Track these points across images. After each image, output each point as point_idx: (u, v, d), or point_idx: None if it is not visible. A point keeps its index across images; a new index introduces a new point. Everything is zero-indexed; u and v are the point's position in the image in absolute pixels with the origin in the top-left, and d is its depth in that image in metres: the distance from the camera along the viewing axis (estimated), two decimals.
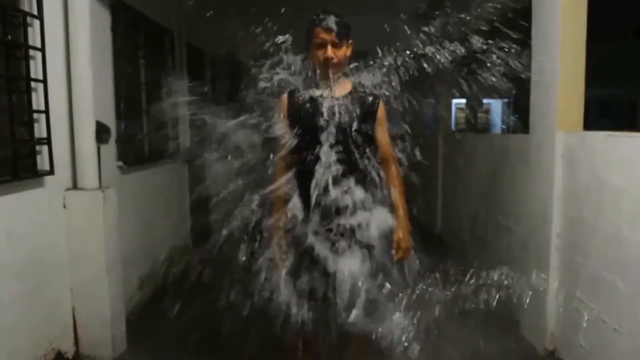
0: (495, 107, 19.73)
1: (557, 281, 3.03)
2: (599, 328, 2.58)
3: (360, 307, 2.28)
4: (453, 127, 10.77)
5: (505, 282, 3.89)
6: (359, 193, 2.23)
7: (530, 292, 3.30)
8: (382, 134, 2.31)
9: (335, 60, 2.16)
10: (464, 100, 16.56)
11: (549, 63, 3.06)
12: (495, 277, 4.13)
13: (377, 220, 2.27)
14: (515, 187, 3.74)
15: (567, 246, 2.94)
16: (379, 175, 2.29)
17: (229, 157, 2.43)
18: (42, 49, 2.74)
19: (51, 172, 2.81)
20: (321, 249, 2.21)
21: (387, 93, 2.38)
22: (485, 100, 17.94)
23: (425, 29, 2.62)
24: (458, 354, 3.20)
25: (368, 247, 2.25)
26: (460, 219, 5.30)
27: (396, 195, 2.32)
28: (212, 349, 3.27)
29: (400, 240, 2.31)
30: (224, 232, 2.48)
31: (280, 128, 2.29)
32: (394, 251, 2.31)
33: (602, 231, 2.58)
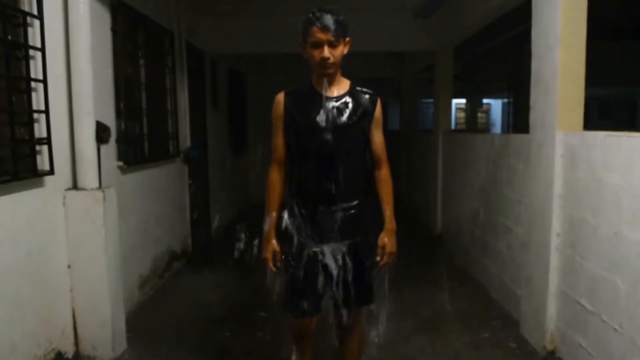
0: (495, 106, 19.78)
1: (557, 281, 3.03)
2: (599, 328, 2.58)
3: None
4: (453, 127, 10.78)
5: (505, 282, 3.89)
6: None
7: (530, 292, 3.31)
8: (376, 133, 2.28)
9: (331, 61, 2.11)
10: (463, 100, 16.62)
11: (549, 63, 3.06)
12: (495, 277, 4.14)
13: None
14: (515, 187, 3.74)
15: (567, 246, 2.94)
16: (370, 175, 2.29)
17: None
18: (42, 49, 2.74)
19: (51, 172, 2.81)
20: (314, 248, 2.20)
21: None
22: (485, 100, 17.98)
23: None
24: (459, 354, 3.20)
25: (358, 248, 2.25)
26: (460, 219, 5.30)
27: (385, 197, 2.30)
28: (212, 348, 3.28)
29: (385, 244, 2.27)
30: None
31: (277, 128, 2.27)
32: (378, 257, 2.28)
33: (602, 231, 2.58)
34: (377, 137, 2.28)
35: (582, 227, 2.77)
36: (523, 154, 3.54)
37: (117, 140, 3.67)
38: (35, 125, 2.75)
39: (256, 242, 2.44)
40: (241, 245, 3.22)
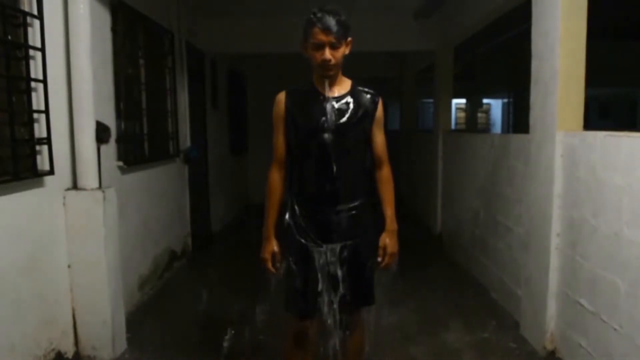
0: (495, 106, 19.80)
1: (557, 281, 3.03)
2: (599, 328, 2.58)
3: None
4: (453, 127, 10.78)
5: (505, 282, 3.89)
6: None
7: (530, 292, 3.30)
8: (378, 133, 2.27)
9: (333, 62, 2.09)
10: (463, 100, 16.64)
11: (549, 63, 3.06)
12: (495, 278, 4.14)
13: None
14: (515, 187, 3.74)
15: (567, 246, 2.94)
16: (371, 176, 2.28)
17: None
18: (42, 49, 2.74)
19: (51, 172, 2.81)
20: (314, 249, 2.20)
21: None
22: (485, 100, 18.00)
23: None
24: (459, 354, 3.20)
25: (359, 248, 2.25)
26: (460, 219, 5.30)
27: (386, 198, 2.29)
28: (212, 348, 3.27)
29: (386, 245, 2.25)
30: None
31: (278, 128, 2.27)
32: (379, 258, 2.26)
33: (602, 231, 2.58)
34: (379, 137, 2.27)
35: (582, 227, 2.77)
36: (523, 154, 3.54)
37: (117, 140, 3.67)
38: (35, 125, 2.75)
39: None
40: (232, 334, 3.25)
